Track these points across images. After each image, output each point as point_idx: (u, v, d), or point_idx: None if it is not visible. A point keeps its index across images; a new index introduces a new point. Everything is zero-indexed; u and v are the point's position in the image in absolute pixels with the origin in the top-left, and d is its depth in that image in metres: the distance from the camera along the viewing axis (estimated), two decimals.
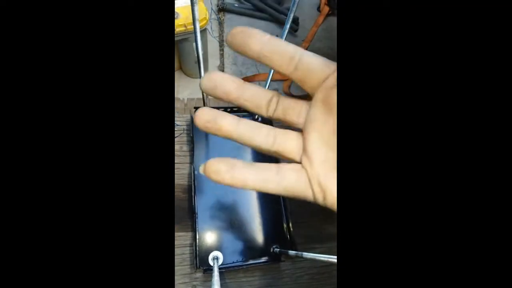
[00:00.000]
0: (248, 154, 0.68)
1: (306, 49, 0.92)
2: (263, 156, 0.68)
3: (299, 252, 0.51)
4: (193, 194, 0.60)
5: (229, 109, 0.70)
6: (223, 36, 0.88)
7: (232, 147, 0.68)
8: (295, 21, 0.95)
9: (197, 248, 0.56)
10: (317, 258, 0.45)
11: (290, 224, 0.61)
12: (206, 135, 0.67)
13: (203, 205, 0.60)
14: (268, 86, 0.60)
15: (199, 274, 0.57)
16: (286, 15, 0.93)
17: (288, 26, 0.40)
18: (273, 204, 0.64)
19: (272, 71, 0.53)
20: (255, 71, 0.84)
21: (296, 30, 0.98)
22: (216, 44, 0.88)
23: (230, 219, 0.61)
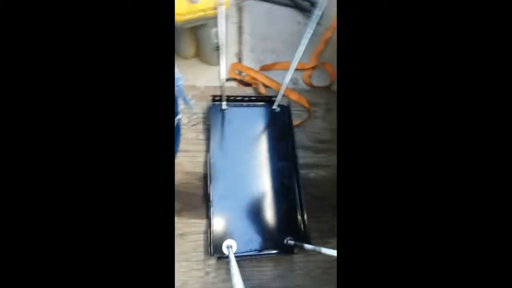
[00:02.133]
0: (264, 144, 0.67)
1: (329, 38, 0.88)
2: (278, 149, 0.67)
3: (317, 247, 0.50)
4: (208, 182, 0.60)
5: (246, 98, 0.69)
6: (241, 22, 0.85)
7: (248, 136, 0.67)
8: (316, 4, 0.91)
9: (211, 235, 0.56)
10: (329, 253, 0.44)
11: (305, 217, 0.60)
12: (222, 123, 0.67)
13: (218, 193, 0.60)
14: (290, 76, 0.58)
15: (212, 261, 0.58)
16: (308, 1, 0.89)
17: (318, 14, 0.38)
18: (288, 195, 0.63)
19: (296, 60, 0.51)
20: (274, 59, 0.82)
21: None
22: (234, 31, 0.86)
23: (245, 208, 0.61)
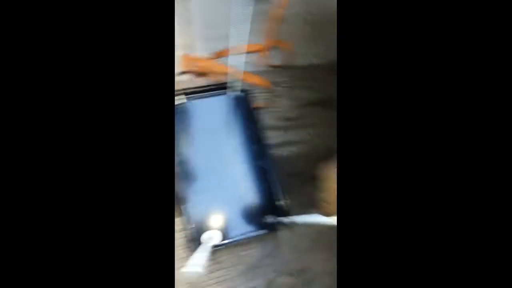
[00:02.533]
0: (232, 131, 0.67)
1: (281, 16, 0.87)
2: (248, 141, 0.67)
3: (291, 218, 0.51)
4: (177, 180, 0.60)
5: (205, 88, 0.68)
6: (189, 10, 0.83)
7: (214, 126, 0.66)
8: None
9: (189, 231, 0.57)
10: (306, 220, 0.46)
11: (283, 194, 0.62)
12: (187, 121, 0.66)
13: (191, 189, 0.60)
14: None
15: (201, 263, 0.58)
16: None
17: None
18: (264, 177, 0.64)
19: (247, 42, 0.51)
20: (227, 45, 0.81)
21: None
22: (183, 19, 0.84)
23: (223, 198, 0.61)
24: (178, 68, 0.74)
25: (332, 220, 0.38)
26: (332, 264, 0.63)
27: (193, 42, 0.80)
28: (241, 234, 0.59)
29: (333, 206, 0.60)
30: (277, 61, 0.80)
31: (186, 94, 0.67)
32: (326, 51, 0.84)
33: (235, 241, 0.58)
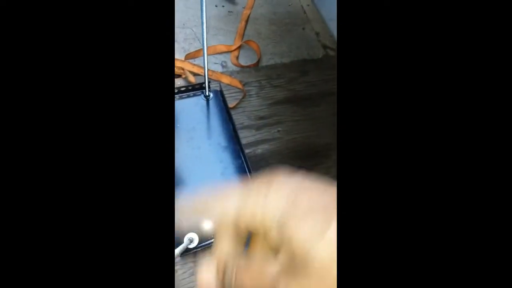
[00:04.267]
0: (205, 133, 0.66)
1: (248, 16, 0.88)
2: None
3: None
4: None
5: (177, 90, 0.67)
6: None
7: (188, 128, 0.66)
8: None
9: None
10: None
11: None
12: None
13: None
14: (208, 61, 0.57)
15: (177, 259, 0.58)
16: None
17: None
18: (241, 175, 0.65)
19: (206, 42, 0.51)
20: (198, 46, 0.81)
21: None
22: None
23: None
24: None
25: None
26: None
27: None
28: None
29: None
30: (248, 61, 0.81)
31: None
32: (291, 50, 0.87)
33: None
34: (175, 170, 0.61)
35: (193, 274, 0.57)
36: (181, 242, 0.55)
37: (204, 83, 0.66)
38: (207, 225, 0.54)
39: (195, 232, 0.57)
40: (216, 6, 0.90)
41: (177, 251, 0.44)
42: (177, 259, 0.41)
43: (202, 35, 0.50)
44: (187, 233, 0.56)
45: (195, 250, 0.56)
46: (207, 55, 0.79)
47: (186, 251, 0.56)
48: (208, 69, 0.72)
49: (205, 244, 0.57)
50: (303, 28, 0.93)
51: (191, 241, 0.55)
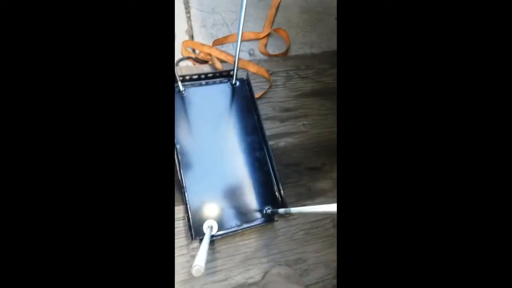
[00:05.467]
0: (230, 121, 0.65)
1: (279, 3, 0.85)
2: (246, 133, 0.66)
3: (288, 209, 0.51)
4: (177, 168, 0.58)
5: (203, 76, 0.66)
6: None
7: (212, 115, 0.65)
8: None
9: (190, 220, 0.56)
10: (302, 211, 0.46)
11: (280, 185, 0.62)
12: (183, 106, 0.64)
13: (190, 177, 0.59)
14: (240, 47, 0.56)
15: (195, 244, 0.58)
16: None
17: None
18: (262, 167, 0.64)
19: (241, 30, 0.49)
20: (226, 32, 0.79)
21: None
22: (181, 7, 0.80)
23: (221, 187, 0.60)
24: (177, 54, 0.72)
25: (329, 208, 0.38)
26: (326, 255, 0.64)
27: (193, 29, 0.77)
28: (239, 224, 0.58)
29: None
30: (276, 50, 0.79)
31: (184, 80, 0.65)
32: (322, 40, 0.84)
33: (232, 231, 0.58)
34: (196, 157, 0.61)
35: (209, 261, 0.58)
36: (201, 231, 0.55)
37: (232, 70, 0.65)
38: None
39: (214, 219, 0.57)
40: None
41: (204, 248, 0.42)
42: (204, 259, 0.40)
43: (240, 21, 0.48)
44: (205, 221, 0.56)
45: (214, 237, 0.56)
46: (233, 42, 0.77)
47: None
48: (234, 56, 0.71)
49: (224, 233, 0.57)
50: (336, 18, 0.88)
51: (209, 227, 0.55)
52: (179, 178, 0.58)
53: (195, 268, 0.37)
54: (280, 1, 0.85)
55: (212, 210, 0.58)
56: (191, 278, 0.56)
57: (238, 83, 0.68)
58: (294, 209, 0.50)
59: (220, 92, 0.67)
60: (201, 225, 0.56)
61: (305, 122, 0.73)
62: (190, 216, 0.56)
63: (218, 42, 0.75)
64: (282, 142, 0.71)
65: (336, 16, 0.88)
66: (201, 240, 0.57)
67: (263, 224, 0.61)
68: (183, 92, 0.64)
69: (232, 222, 0.58)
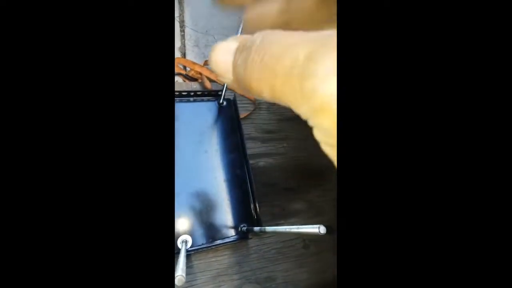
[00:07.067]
0: (214, 138, 0.68)
1: None
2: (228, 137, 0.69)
3: (263, 228, 0.54)
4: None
5: (192, 93, 0.69)
6: (183, 16, 0.84)
7: (197, 131, 0.67)
8: None
9: None
10: (277, 230, 0.48)
11: (257, 204, 0.64)
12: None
13: None
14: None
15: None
16: None
17: None
18: (241, 185, 0.66)
19: None
20: None
21: None
22: (176, 24, 0.84)
23: (199, 202, 0.62)
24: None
25: (304, 229, 0.40)
26: (295, 275, 0.66)
27: (186, 47, 0.81)
28: (213, 240, 0.60)
29: None
30: None
31: (174, 96, 0.68)
32: None
33: (206, 247, 0.59)
34: (178, 170, 0.62)
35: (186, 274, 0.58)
36: (175, 246, 0.56)
37: (221, 91, 0.68)
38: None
39: (188, 234, 0.57)
40: (240, 16, 0.93)
41: (180, 268, 0.43)
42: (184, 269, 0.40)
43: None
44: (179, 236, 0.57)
45: (188, 251, 0.57)
46: None
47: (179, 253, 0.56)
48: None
49: (198, 248, 0.58)
50: None
51: (183, 242, 0.56)
52: None
53: (177, 278, 0.38)
54: None
55: (187, 225, 0.59)
56: None
57: (225, 103, 0.71)
58: (269, 228, 0.52)
59: (207, 110, 0.70)
60: (176, 240, 0.56)
61: (285, 145, 0.77)
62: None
63: (207, 63, 0.79)
64: (262, 162, 0.74)
65: None
66: (175, 254, 0.57)
67: (237, 241, 0.62)
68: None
69: (207, 238, 0.59)
